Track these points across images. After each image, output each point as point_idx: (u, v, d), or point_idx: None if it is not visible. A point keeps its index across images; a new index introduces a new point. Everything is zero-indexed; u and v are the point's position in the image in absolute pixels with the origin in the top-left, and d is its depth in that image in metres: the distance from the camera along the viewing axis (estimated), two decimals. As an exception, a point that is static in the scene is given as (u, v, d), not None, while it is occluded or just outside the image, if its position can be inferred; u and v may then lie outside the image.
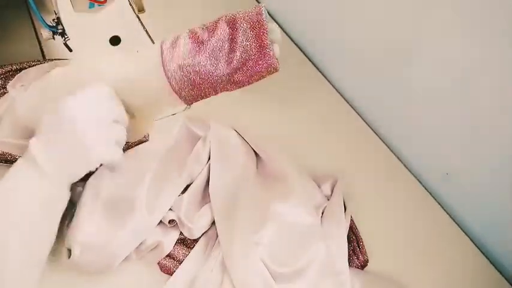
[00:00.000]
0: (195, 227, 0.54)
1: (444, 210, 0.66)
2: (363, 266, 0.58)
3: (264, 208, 0.58)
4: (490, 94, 0.54)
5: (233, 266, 0.52)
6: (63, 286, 0.51)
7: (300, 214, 0.58)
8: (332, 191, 0.62)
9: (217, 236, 0.56)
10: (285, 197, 0.59)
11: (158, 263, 0.54)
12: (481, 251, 0.63)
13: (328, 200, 0.61)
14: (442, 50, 0.58)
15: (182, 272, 0.53)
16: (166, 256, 0.54)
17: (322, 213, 0.60)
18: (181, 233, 0.55)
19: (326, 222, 0.58)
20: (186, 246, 0.56)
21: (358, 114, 0.78)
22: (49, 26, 0.60)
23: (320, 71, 0.84)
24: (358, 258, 0.57)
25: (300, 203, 0.59)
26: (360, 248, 0.58)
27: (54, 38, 0.61)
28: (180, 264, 0.53)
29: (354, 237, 0.59)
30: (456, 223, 0.65)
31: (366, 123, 0.76)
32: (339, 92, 0.81)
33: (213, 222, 0.57)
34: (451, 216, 0.66)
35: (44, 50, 0.76)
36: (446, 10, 0.54)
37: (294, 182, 0.60)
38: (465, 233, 0.64)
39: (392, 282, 0.57)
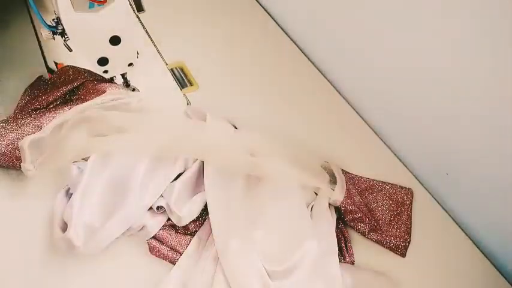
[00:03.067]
0: (183, 215, 0.55)
1: (444, 210, 0.66)
2: None
3: (256, 207, 0.58)
4: (491, 94, 0.54)
5: (229, 264, 0.52)
6: (58, 269, 0.52)
7: (291, 212, 0.59)
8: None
9: (207, 236, 0.56)
10: (276, 195, 0.59)
11: (147, 243, 0.54)
12: (481, 251, 0.62)
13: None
14: (442, 50, 0.58)
15: (175, 274, 0.53)
16: (156, 239, 0.55)
17: (311, 210, 0.60)
18: (170, 219, 0.57)
19: (316, 220, 0.58)
20: (176, 232, 0.56)
21: (358, 114, 0.78)
22: (49, 26, 0.60)
23: (320, 70, 0.84)
24: (344, 259, 0.57)
25: (291, 201, 0.59)
26: (347, 249, 0.58)
27: (54, 38, 0.61)
28: (168, 247, 0.54)
29: (342, 237, 0.59)
30: (456, 223, 0.65)
31: (366, 123, 0.77)
32: (339, 92, 0.81)
33: (201, 217, 0.58)
34: (450, 216, 0.66)
35: (44, 50, 0.76)
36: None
37: (285, 180, 0.61)
38: (465, 233, 0.64)
39: (382, 277, 0.57)
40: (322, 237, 0.56)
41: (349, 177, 0.65)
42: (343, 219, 0.61)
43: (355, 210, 0.59)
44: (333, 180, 0.63)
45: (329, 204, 0.60)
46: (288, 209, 0.59)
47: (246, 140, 0.64)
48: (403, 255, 0.59)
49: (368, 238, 0.60)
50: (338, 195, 0.60)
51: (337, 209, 0.61)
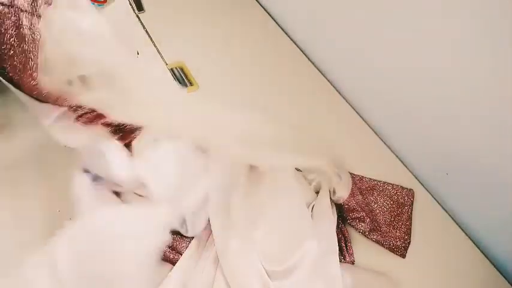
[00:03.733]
0: (191, 228, 0.55)
1: (444, 210, 0.66)
2: None
3: (256, 207, 0.58)
4: (490, 94, 0.54)
5: (229, 265, 0.52)
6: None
7: (292, 212, 0.59)
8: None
9: (207, 237, 0.56)
10: (276, 195, 0.59)
11: None
12: (481, 251, 0.62)
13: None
14: (442, 50, 0.58)
15: (175, 275, 0.53)
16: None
17: (312, 210, 0.60)
18: None
19: (316, 220, 0.58)
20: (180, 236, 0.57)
21: (358, 114, 0.78)
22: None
23: (320, 70, 0.84)
24: (344, 259, 0.57)
25: (292, 201, 0.59)
26: (347, 249, 0.58)
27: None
28: (169, 248, 0.55)
29: (342, 236, 0.59)
30: (456, 223, 0.65)
31: (366, 123, 0.77)
32: (339, 92, 0.81)
33: None
34: (450, 216, 0.66)
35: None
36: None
37: (285, 180, 0.61)
38: (465, 233, 0.64)
39: (382, 277, 0.57)
40: (323, 237, 0.57)
41: (351, 177, 0.65)
42: (343, 218, 0.61)
43: (357, 209, 0.60)
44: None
45: (331, 202, 0.60)
46: (288, 209, 0.59)
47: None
48: (403, 255, 0.59)
49: (368, 238, 0.60)
50: (343, 191, 0.60)
51: (338, 207, 0.61)
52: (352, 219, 0.60)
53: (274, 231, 0.57)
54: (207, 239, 0.56)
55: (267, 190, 0.60)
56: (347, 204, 0.60)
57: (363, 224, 0.60)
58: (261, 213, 0.58)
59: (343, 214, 0.61)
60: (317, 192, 0.62)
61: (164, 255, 0.54)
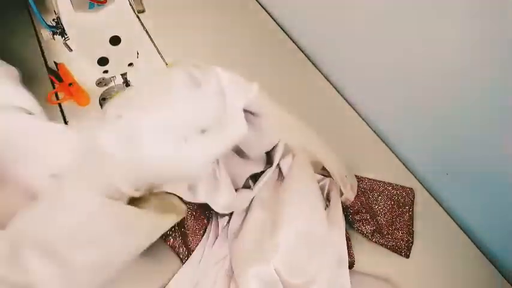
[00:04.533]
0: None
1: (444, 210, 0.66)
2: (349, 267, 0.57)
3: (277, 215, 0.56)
4: (490, 93, 0.54)
5: (243, 275, 0.51)
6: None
7: (312, 221, 0.56)
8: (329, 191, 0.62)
9: (213, 244, 0.55)
10: (295, 202, 0.57)
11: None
12: (481, 251, 0.62)
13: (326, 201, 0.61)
14: (443, 50, 0.58)
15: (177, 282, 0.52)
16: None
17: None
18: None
19: (330, 227, 0.57)
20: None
21: (358, 114, 0.78)
22: (49, 26, 0.60)
23: (320, 71, 0.84)
24: None
25: (313, 209, 0.57)
26: (347, 249, 0.58)
27: (54, 38, 0.61)
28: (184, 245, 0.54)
29: None
30: (456, 223, 0.65)
31: (366, 122, 0.77)
32: (339, 92, 0.81)
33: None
34: (450, 216, 0.66)
35: (44, 50, 0.76)
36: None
37: (305, 181, 0.60)
38: (465, 233, 0.64)
39: (382, 281, 0.57)
40: (335, 246, 0.56)
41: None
42: (346, 220, 0.60)
43: (361, 211, 0.59)
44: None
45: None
46: (309, 213, 0.56)
47: None
48: (407, 256, 0.59)
49: (370, 240, 0.59)
50: (350, 193, 0.60)
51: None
52: (357, 221, 0.60)
53: (297, 241, 0.54)
54: (212, 245, 0.55)
55: (286, 197, 0.57)
56: (352, 206, 0.59)
57: (367, 226, 0.59)
58: (281, 222, 0.55)
59: (348, 218, 0.60)
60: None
61: (172, 245, 0.54)
